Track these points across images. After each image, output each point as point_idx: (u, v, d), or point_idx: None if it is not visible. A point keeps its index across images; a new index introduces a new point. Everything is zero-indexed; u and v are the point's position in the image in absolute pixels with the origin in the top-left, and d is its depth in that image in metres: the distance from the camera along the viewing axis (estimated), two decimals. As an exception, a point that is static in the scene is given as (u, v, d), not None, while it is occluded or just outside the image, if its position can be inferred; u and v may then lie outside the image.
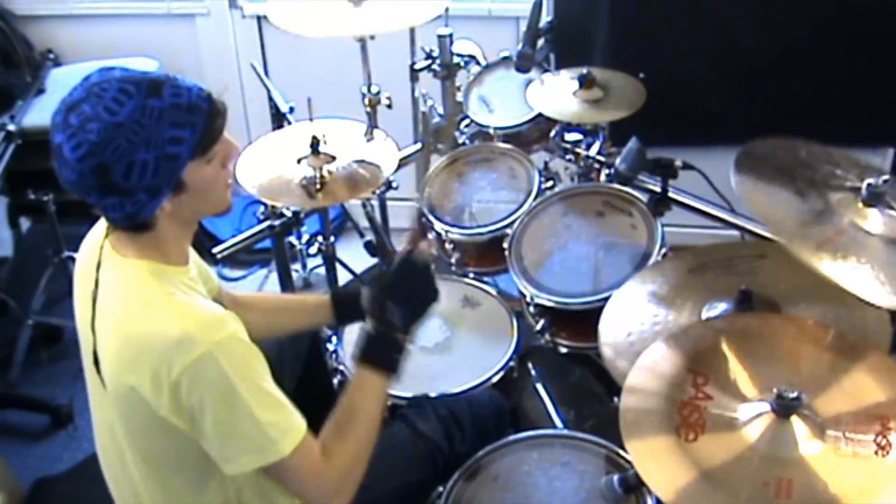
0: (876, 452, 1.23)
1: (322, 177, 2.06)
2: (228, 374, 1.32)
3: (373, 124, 2.47)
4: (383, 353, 1.56)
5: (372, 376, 1.54)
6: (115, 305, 1.40)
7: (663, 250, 1.99)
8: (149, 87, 1.31)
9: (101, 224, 1.51)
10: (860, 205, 1.43)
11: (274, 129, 2.44)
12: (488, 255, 2.24)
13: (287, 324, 1.87)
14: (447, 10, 2.47)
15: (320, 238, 2.50)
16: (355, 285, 2.12)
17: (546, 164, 2.41)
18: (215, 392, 1.32)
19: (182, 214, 1.41)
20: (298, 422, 1.40)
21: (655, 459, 1.25)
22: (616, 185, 2.14)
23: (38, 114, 3.00)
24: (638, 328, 1.69)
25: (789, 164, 1.51)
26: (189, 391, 1.31)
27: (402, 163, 2.49)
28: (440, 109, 2.67)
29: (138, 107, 1.29)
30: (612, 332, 1.70)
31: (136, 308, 1.37)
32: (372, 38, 2.44)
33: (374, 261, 2.45)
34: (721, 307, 1.66)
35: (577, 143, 2.29)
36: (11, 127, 2.84)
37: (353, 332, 2.11)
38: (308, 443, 1.40)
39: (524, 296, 2.06)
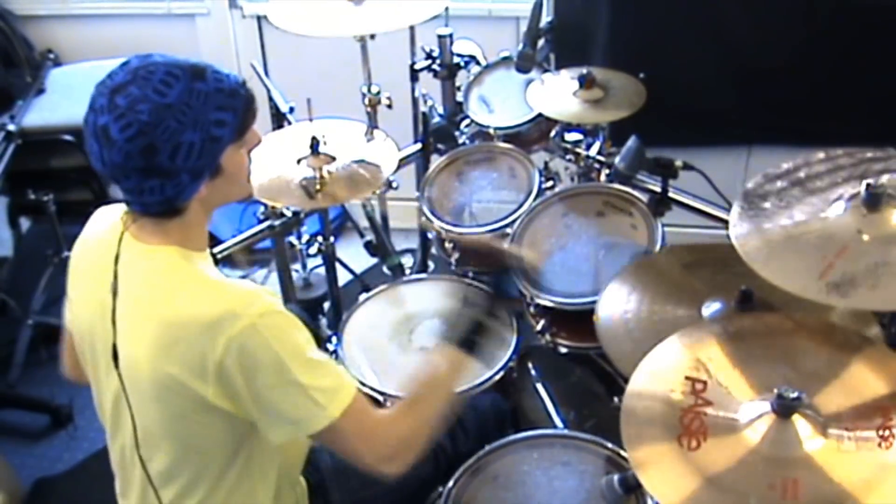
0: (879, 445, 1.23)
1: (322, 177, 2.06)
2: (273, 344, 1.33)
3: (373, 124, 2.47)
4: (474, 338, 1.60)
5: (460, 356, 1.57)
6: (149, 293, 1.40)
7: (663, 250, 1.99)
8: (193, 71, 1.33)
9: (100, 221, 1.51)
10: (865, 211, 1.42)
11: (274, 129, 2.44)
12: (488, 254, 2.24)
13: None
14: (447, 10, 2.48)
15: (320, 238, 2.50)
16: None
17: (546, 164, 2.42)
18: (263, 363, 1.33)
19: (212, 199, 1.43)
20: (347, 384, 1.41)
21: (657, 468, 1.25)
22: (616, 185, 2.14)
23: (38, 114, 3.00)
24: (635, 317, 1.72)
25: (789, 194, 1.51)
26: (234, 365, 1.32)
27: (402, 163, 2.49)
28: (440, 109, 2.67)
29: (186, 89, 1.31)
30: (609, 318, 1.73)
31: (173, 292, 1.38)
32: (372, 37, 2.44)
33: (375, 261, 2.45)
34: (719, 304, 1.66)
35: (577, 143, 2.29)
36: (11, 127, 2.84)
37: (352, 332, 2.12)
38: (359, 404, 1.41)
39: (524, 296, 2.06)
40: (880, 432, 1.24)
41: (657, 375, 1.38)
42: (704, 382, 1.33)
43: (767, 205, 1.50)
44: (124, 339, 1.41)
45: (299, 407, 1.37)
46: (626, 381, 1.40)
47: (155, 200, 1.36)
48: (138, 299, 1.40)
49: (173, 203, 1.37)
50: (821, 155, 1.57)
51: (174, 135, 1.30)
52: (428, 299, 2.17)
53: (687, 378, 1.34)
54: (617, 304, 1.78)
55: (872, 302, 1.34)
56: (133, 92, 1.30)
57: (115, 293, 1.42)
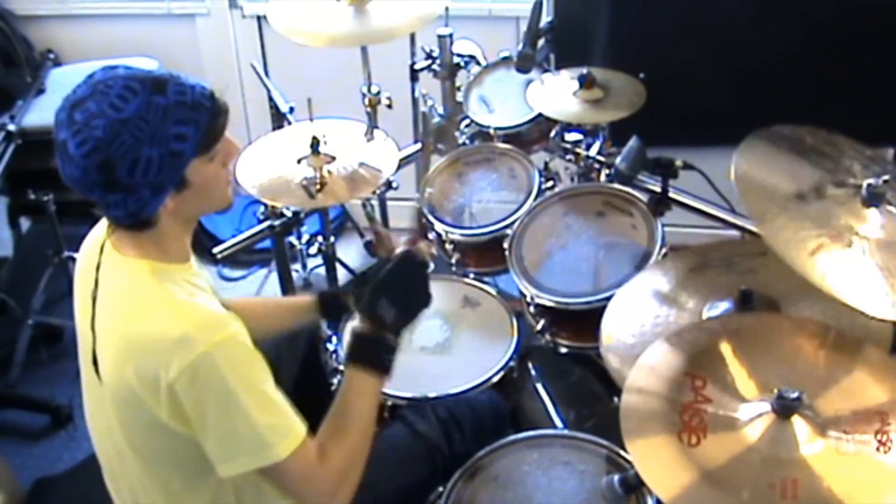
0: (877, 448, 1.23)
1: (322, 177, 2.06)
2: (227, 375, 1.31)
3: (373, 124, 2.47)
4: (375, 354, 1.54)
5: (364, 376, 1.52)
6: (115, 305, 1.40)
7: (664, 250, 1.99)
8: (153, 84, 1.31)
9: (102, 225, 1.52)
10: (859, 205, 1.42)
11: (274, 129, 2.44)
12: (488, 255, 2.24)
13: (275, 327, 1.86)
14: (447, 10, 2.48)
15: (320, 238, 2.50)
16: (340, 288, 2.14)
17: (546, 164, 2.41)
18: (213, 393, 1.32)
19: (184, 212, 1.41)
20: (297, 426, 1.39)
21: (657, 461, 1.25)
22: (616, 185, 2.14)
23: (38, 114, 3.00)
24: (639, 328, 1.69)
25: (793, 156, 1.50)
26: (187, 392, 1.31)
27: (402, 163, 2.49)
28: (440, 109, 2.67)
29: (143, 104, 1.29)
30: (614, 332, 1.70)
31: (136, 308, 1.37)
32: (372, 38, 2.44)
33: (375, 261, 2.45)
34: (722, 306, 1.66)
35: (577, 143, 2.29)
36: (11, 127, 2.84)
37: (353, 332, 2.11)
38: (306, 447, 1.40)
39: (524, 296, 2.06)
40: (878, 436, 1.24)
41: (657, 371, 1.38)
42: (704, 379, 1.33)
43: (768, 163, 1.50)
44: (99, 346, 1.42)
45: (246, 442, 1.35)
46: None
47: (121, 214, 1.36)
48: (107, 310, 1.41)
49: (139, 217, 1.36)
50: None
51: (130, 150, 1.29)
52: (428, 299, 2.17)
53: (687, 374, 1.33)
54: (620, 317, 1.75)
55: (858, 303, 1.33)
56: (90, 107, 1.29)
57: (94, 300, 1.42)
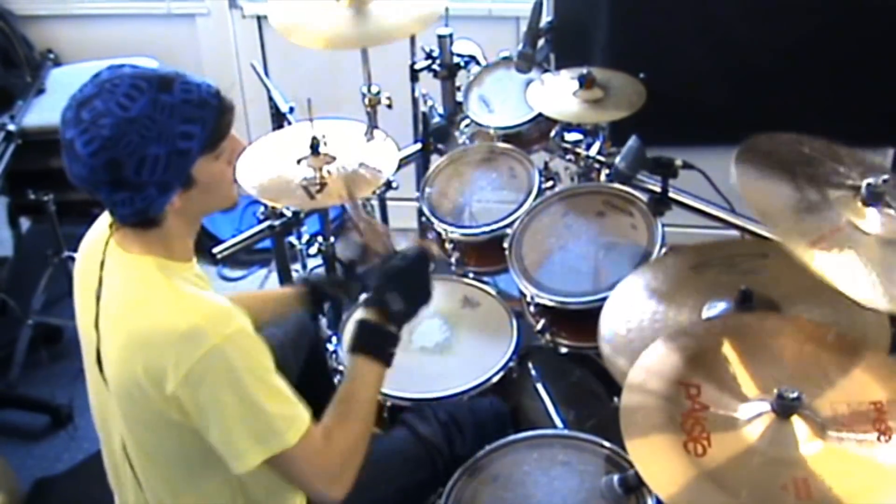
0: (877, 448, 1.23)
1: (322, 177, 2.06)
2: (237, 367, 1.32)
3: (373, 124, 2.47)
4: (380, 343, 1.56)
5: (369, 364, 1.54)
6: (122, 301, 1.40)
7: (663, 250, 1.99)
8: (160, 82, 1.32)
9: (102, 223, 1.52)
10: (859, 204, 1.42)
11: (274, 129, 2.44)
12: (488, 255, 2.24)
13: (266, 318, 1.84)
14: (447, 9, 2.47)
15: (320, 238, 2.50)
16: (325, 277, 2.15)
17: (546, 164, 2.41)
18: (224, 385, 1.32)
19: (190, 210, 1.42)
20: (303, 412, 1.41)
21: (657, 460, 1.25)
22: (616, 185, 2.14)
23: (38, 114, 3.00)
24: (637, 325, 1.69)
25: (791, 160, 1.51)
26: (198, 385, 1.32)
27: (402, 163, 2.48)
28: (440, 109, 2.67)
29: (150, 102, 1.30)
30: (612, 328, 1.70)
31: (144, 302, 1.37)
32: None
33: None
34: (721, 306, 1.66)
35: (577, 143, 2.29)
36: (11, 127, 2.84)
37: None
38: (312, 433, 1.41)
39: (524, 295, 2.06)
40: (878, 436, 1.24)
41: (656, 370, 1.38)
42: (697, 386, 1.32)
43: (770, 161, 1.50)
44: (104, 344, 1.41)
45: (257, 431, 1.36)
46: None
47: (127, 212, 1.36)
48: (113, 307, 1.41)
49: (145, 215, 1.37)
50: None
51: (137, 149, 1.29)
52: (428, 299, 2.17)
53: (680, 383, 1.33)
54: (619, 313, 1.75)
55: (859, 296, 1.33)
56: (97, 106, 1.29)
57: (98, 298, 1.42)
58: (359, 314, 1.63)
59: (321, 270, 2.53)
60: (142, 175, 1.31)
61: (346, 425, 1.48)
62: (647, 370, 1.38)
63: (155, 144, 1.30)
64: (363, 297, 1.79)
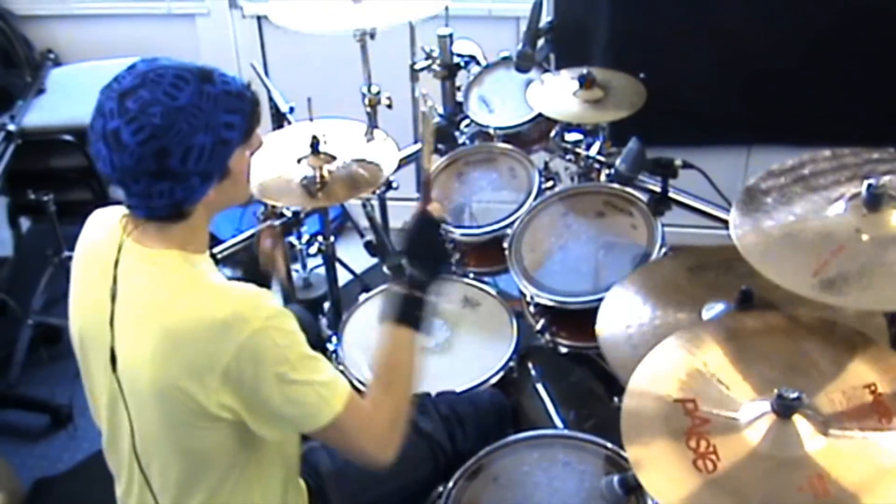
0: (879, 445, 1.23)
1: (322, 177, 2.06)
2: (282, 345, 1.34)
3: (373, 124, 2.47)
4: (409, 309, 1.57)
5: (402, 331, 1.55)
6: (151, 298, 1.39)
7: (663, 250, 1.99)
8: (201, 74, 1.34)
9: (102, 223, 1.51)
10: (864, 209, 1.41)
11: (274, 129, 2.44)
12: (488, 255, 2.24)
13: None
14: (447, 9, 2.48)
15: (320, 238, 2.50)
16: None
17: (546, 164, 2.42)
18: (273, 366, 1.33)
19: (217, 203, 1.43)
20: (341, 379, 1.42)
21: (657, 467, 1.25)
22: (616, 185, 2.14)
23: (38, 114, 3.00)
24: (637, 322, 1.69)
25: (790, 191, 1.51)
26: (243, 368, 1.32)
27: (402, 163, 2.49)
28: (440, 109, 2.67)
29: (196, 92, 1.31)
30: (611, 326, 1.71)
31: (177, 296, 1.37)
32: (372, 37, 2.44)
33: (375, 261, 2.45)
34: (720, 307, 1.66)
35: (577, 143, 2.29)
36: (11, 127, 2.84)
37: (352, 332, 2.12)
38: (354, 397, 1.42)
39: (524, 296, 2.06)
40: (881, 433, 1.24)
41: (657, 375, 1.38)
42: (693, 401, 1.31)
43: (769, 200, 1.50)
44: (123, 343, 1.40)
45: (307, 403, 1.37)
46: (626, 385, 1.39)
47: (163, 204, 1.36)
48: (140, 305, 1.39)
49: (181, 206, 1.37)
50: (826, 153, 1.57)
51: (186, 138, 1.30)
52: (428, 299, 2.17)
53: (676, 401, 1.31)
54: (619, 312, 1.76)
55: (863, 301, 1.33)
56: (144, 95, 1.30)
57: (113, 298, 1.41)
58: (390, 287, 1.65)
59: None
60: (187, 164, 1.32)
61: (390, 390, 1.50)
62: (647, 374, 1.38)
63: (202, 133, 1.31)
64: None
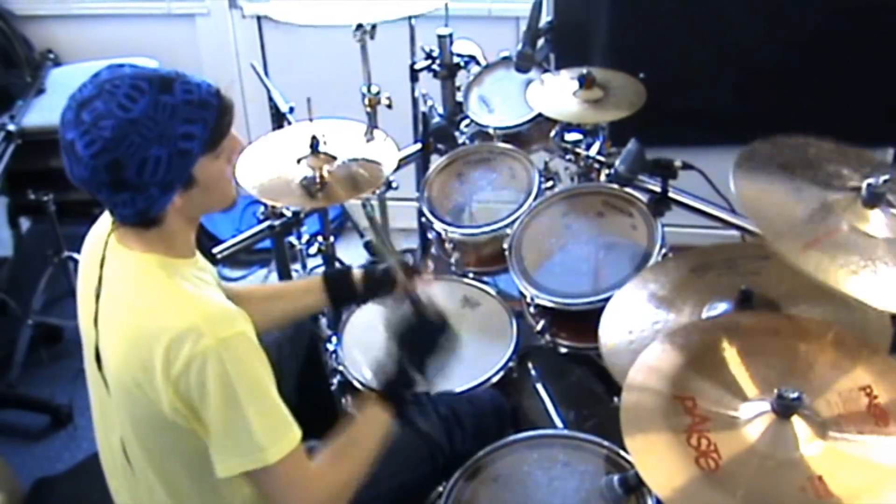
0: (877, 448, 1.23)
1: (322, 177, 2.06)
2: (230, 372, 1.31)
3: (373, 124, 2.47)
4: (398, 401, 1.55)
5: (382, 413, 1.53)
6: (121, 298, 1.40)
7: (663, 250, 1.99)
8: (160, 83, 1.32)
9: (104, 220, 1.52)
10: (860, 205, 1.42)
11: (274, 129, 2.44)
12: (488, 254, 2.24)
13: (282, 310, 1.84)
14: (447, 9, 2.48)
15: (320, 238, 2.50)
16: (347, 268, 2.06)
17: (546, 164, 2.41)
18: (214, 389, 1.32)
19: (190, 209, 1.42)
20: (292, 432, 1.39)
21: (657, 460, 1.25)
22: (616, 186, 2.13)
23: (38, 114, 3.00)
24: (638, 328, 1.69)
25: (793, 163, 1.50)
26: (190, 384, 1.31)
27: (402, 163, 2.48)
28: (440, 109, 2.67)
29: (151, 103, 1.30)
30: (613, 332, 1.70)
31: (144, 300, 1.37)
32: (372, 37, 2.44)
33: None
34: (722, 307, 1.66)
35: (577, 143, 2.29)
36: (11, 127, 2.84)
37: (352, 332, 2.12)
38: (297, 455, 1.39)
39: (524, 296, 2.06)
40: (879, 436, 1.24)
41: (656, 371, 1.38)
42: (692, 398, 1.31)
43: (773, 165, 1.50)
44: (103, 342, 1.41)
45: (239, 442, 1.35)
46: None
47: (128, 213, 1.36)
48: (112, 305, 1.41)
49: (147, 215, 1.37)
50: (831, 145, 1.57)
51: (139, 150, 1.29)
52: (428, 299, 2.16)
53: (675, 398, 1.31)
54: (621, 319, 1.75)
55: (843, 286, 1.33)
56: (98, 107, 1.29)
57: (97, 296, 1.42)
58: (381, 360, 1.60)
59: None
60: (143, 176, 1.31)
61: (343, 464, 1.47)
62: (646, 369, 1.38)
63: (156, 145, 1.30)
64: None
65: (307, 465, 1.42)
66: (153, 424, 1.38)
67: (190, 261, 1.47)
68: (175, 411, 1.34)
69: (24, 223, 3.34)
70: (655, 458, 1.25)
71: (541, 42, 2.55)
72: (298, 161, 2.10)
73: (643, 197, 2.08)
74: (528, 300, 2.04)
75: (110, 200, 1.35)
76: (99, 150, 1.28)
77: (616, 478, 1.47)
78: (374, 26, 2.41)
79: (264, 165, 2.10)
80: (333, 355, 2.07)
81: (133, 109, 1.29)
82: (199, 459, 1.41)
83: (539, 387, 2.21)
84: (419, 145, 2.68)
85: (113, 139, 1.28)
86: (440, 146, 2.62)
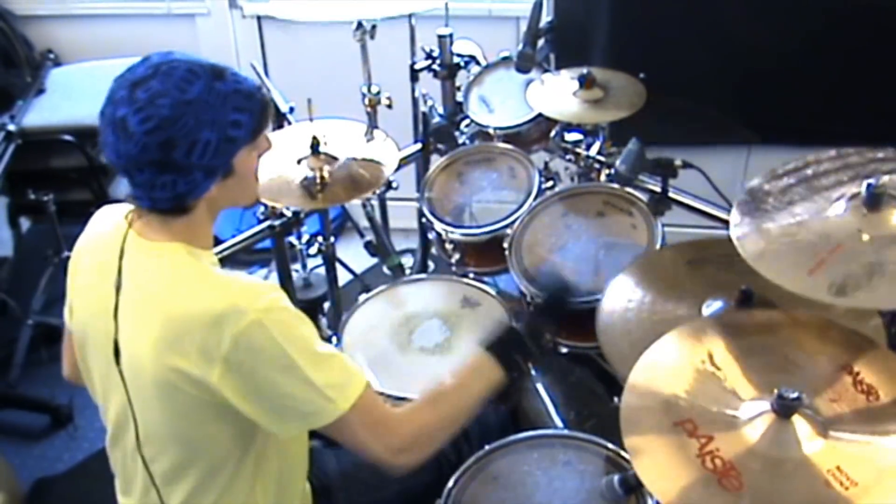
0: (879, 447, 1.22)
1: (322, 177, 2.06)
2: (278, 339, 1.33)
3: (373, 124, 2.47)
4: (517, 354, 1.57)
5: (490, 363, 1.55)
6: (154, 289, 1.39)
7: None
8: (213, 70, 1.35)
9: (104, 218, 1.52)
10: (864, 209, 1.41)
11: (274, 129, 2.44)
12: (488, 255, 2.24)
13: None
14: (447, 9, 2.48)
15: (320, 238, 2.50)
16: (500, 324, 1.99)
17: (546, 164, 2.42)
18: (267, 359, 1.33)
19: (220, 201, 1.44)
20: (357, 376, 1.41)
21: (655, 462, 1.25)
22: (616, 185, 2.14)
23: (38, 114, 3.00)
24: (636, 317, 1.71)
25: (789, 190, 1.51)
26: (241, 361, 1.32)
27: (402, 163, 2.49)
28: (440, 109, 2.67)
29: (206, 87, 1.32)
30: (610, 320, 1.72)
31: (177, 288, 1.38)
32: (372, 37, 2.44)
33: (375, 261, 2.45)
34: (720, 304, 1.66)
35: (577, 143, 2.29)
36: (11, 127, 2.84)
37: (352, 333, 2.11)
38: (369, 398, 1.41)
39: (524, 296, 2.06)
40: (880, 435, 1.24)
41: (656, 370, 1.38)
42: (692, 421, 1.30)
43: (771, 201, 1.50)
44: (126, 335, 1.41)
45: (307, 402, 1.37)
46: (624, 381, 1.39)
47: (166, 196, 1.37)
48: (143, 295, 1.40)
49: (183, 200, 1.38)
50: (831, 153, 1.56)
51: (192, 131, 1.31)
52: (428, 300, 2.17)
53: (675, 424, 1.30)
54: (618, 303, 1.77)
55: (868, 301, 1.33)
56: (154, 86, 1.31)
57: (118, 289, 1.42)
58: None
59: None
60: (191, 158, 1.32)
61: (439, 405, 1.49)
62: (647, 370, 1.38)
63: (208, 129, 1.32)
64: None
65: (383, 406, 1.45)
66: (196, 413, 1.39)
67: (209, 252, 1.49)
68: (223, 393, 1.34)
69: (24, 223, 3.33)
70: (654, 460, 1.25)
71: (541, 42, 2.55)
72: (299, 161, 2.10)
73: (643, 196, 2.08)
74: (528, 300, 2.04)
75: (151, 181, 1.35)
76: (154, 127, 1.30)
77: (616, 478, 1.47)
78: (374, 26, 2.41)
79: (264, 165, 2.10)
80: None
81: (189, 91, 1.31)
82: (228, 445, 1.42)
83: (539, 387, 2.20)
84: (419, 145, 2.68)
85: (170, 118, 1.30)
86: (440, 146, 2.62)
